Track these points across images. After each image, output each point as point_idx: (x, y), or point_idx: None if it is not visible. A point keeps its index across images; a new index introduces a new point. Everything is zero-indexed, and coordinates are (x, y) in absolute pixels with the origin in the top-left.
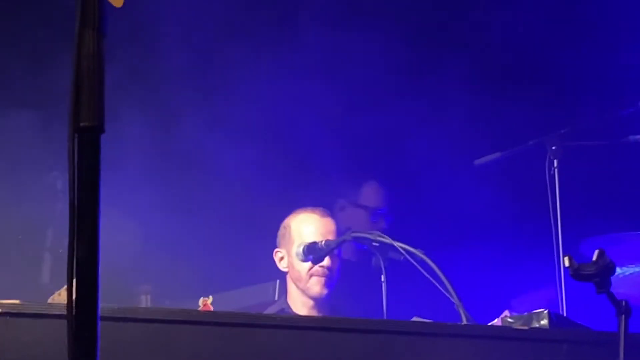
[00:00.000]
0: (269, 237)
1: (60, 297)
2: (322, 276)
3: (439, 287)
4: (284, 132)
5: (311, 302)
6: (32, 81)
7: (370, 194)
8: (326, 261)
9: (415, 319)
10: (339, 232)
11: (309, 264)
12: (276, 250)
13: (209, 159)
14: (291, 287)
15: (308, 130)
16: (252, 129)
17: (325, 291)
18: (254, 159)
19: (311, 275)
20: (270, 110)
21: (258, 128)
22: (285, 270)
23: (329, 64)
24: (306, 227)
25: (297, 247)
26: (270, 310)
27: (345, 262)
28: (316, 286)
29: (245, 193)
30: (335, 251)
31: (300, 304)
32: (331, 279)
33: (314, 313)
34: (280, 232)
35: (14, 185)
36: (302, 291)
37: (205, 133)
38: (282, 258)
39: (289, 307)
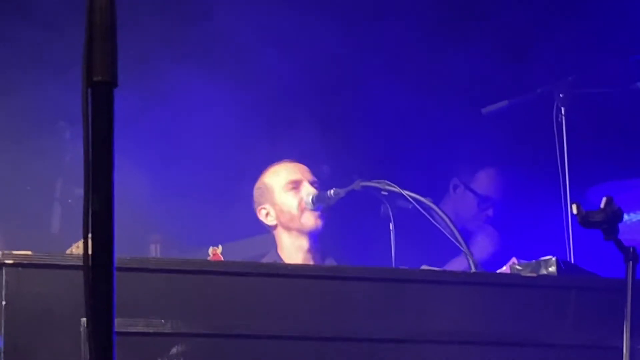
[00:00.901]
0: None
1: (78, 249)
2: (312, 208)
3: (447, 235)
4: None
5: (305, 246)
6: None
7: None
8: (313, 190)
9: (424, 267)
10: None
11: (297, 199)
12: (259, 208)
13: (216, 110)
14: (282, 238)
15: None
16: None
17: (320, 223)
18: (251, 112)
19: (303, 210)
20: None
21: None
22: (273, 224)
23: None
24: (279, 172)
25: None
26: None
27: (354, 211)
28: (311, 219)
29: (252, 147)
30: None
31: (293, 253)
32: (322, 212)
33: (308, 261)
34: (256, 192)
35: (23, 136)
36: (297, 231)
37: (210, 82)
38: (267, 214)
39: (280, 258)
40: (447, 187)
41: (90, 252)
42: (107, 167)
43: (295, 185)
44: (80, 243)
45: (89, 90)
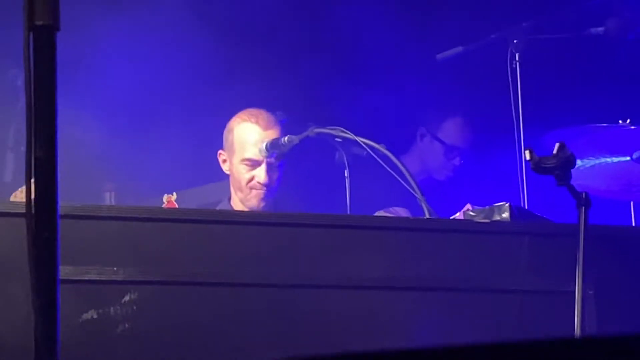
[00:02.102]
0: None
1: (22, 194)
2: (259, 190)
3: (401, 182)
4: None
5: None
6: None
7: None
8: (264, 177)
9: (379, 212)
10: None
11: (248, 176)
12: (220, 151)
13: (170, 52)
14: (233, 191)
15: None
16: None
17: (262, 204)
18: (207, 54)
19: (250, 189)
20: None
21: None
22: (227, 172)
23: None
24: (247, 138)
25: (262, 144)
26: None
27: (309, 158)
28: (254, 199)
29: (208, 89)
30: (279, 162)
31: (242, 208)
32: (269, 192)
33: None
34: (225, 134)
35: None
36: (240, 200)
37: (165, 23)
38: (224, 161)
39: (231, 207)
40: (412, 136)
41: (32, 198)
42: (50, 112)
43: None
44: (23, 189)
45: (31, 35)
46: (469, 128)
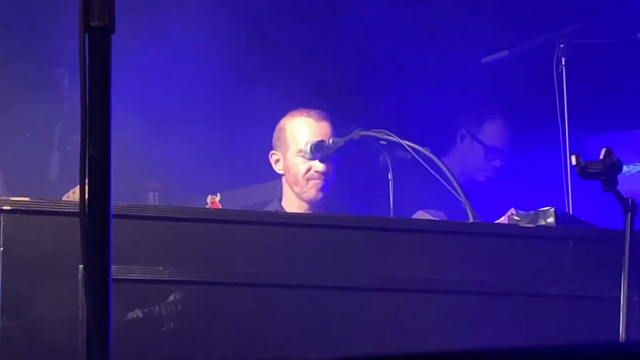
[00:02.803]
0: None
1: (74, 194)
2: (317, 180)
3: (446, 185)
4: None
5: (306, 205)
6: None
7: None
8: (322, 166)
9: (419, 213)
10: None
11: (306, 167)
12: (272, 152)
13: (213, 56)
14: (286, 190)
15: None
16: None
17: (320, 195)
18: (250, 59)
19: (308, 180)
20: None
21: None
22: (280, 172)
23: None
24: (301, 131)
25: (304, 146)
26: None
27: (353, 161)
28: (312, 189)
29: (251, 94)
30: (333, 155)
31: (295, 207)
32: (327, 183)
33: None
34: (276, 134)
35: (22, 84)
36: (298, 194)
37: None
38: (277, 160)
39: (282, 209)
40: (453, 137)
41: (86, 198)
42: (104, 113)
43: None
44: (77, 189)
45: (86, 36)
46: (509, 129)
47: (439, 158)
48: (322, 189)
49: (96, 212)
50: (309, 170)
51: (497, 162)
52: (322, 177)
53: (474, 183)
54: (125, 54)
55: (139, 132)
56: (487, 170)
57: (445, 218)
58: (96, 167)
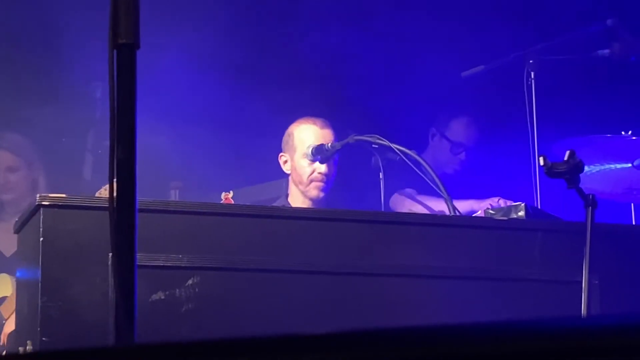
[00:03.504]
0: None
1: (105, 192)
2: (320, 181)
3: (430, 183)
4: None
5: (309, 202)
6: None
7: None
8: (324, 168)
9: (395, 195)
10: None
11: (310, 169)
12: (281, 154)
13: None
14: (293, 188)
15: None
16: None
17: (321, 194)
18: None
19: (311, 181)
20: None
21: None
22: (288, 172)
23: None
24: (307, 136)
25: (307, 149)
26: None
27: (348, 162)
28: (314, 190)
29: (264, 97)
30: (334, 157)
31: (299, 203)
32: (327, 184)
33: None
34: (285, 138)
35: (60, 95)
36: (302, 193)
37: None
38: (285, 162)
39: (288, 204)
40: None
41: (115, 195)
42: (130, 119)
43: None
44: (107, 187)
45: (115, 52)
46: (474, 127)
47: (422, 159)
48: (323, 190)
49: (124, 207)
50: (312, 172)
51: (462, 156)
52: (324, 178)
53: (445, 176)
54: (146, 65)
55: (163, 137)
56: (454, 163)
57: (415, 195)
58: (124, 168)
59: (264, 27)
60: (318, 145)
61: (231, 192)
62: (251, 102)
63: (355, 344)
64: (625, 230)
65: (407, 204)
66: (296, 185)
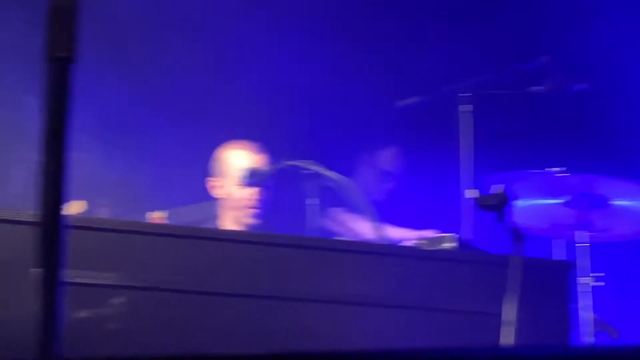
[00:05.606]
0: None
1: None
2: (255, 208)
3: (360, 210)
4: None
5: (241, 228)
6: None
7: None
8: (257, 192)
9: (331, 210)
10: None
11: (245, 194)
12: (209, 179)
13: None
14: (224, 213)
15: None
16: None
17: (255, 222)
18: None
19: (246, 207)
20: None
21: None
22: (217, 197)
23: None
24: (241, 161)
25: (240, 173)
26: None
27: (282, 187)
28: (248, 218)
29: (200, 116)
30: (269, 183)
31: (230, 227)
32: (262, 209)
33: None
34: (213, 164)
35: None
36: (235, 218)
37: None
38: (215, 187)
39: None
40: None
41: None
42: (62, 134)
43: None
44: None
45: (49, 65)
46: (401, 156)
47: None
48: (256, 216)
49: (52, 223)
50: (246, 197)
51: (390, 185)
52: (258, 203)
53: (373, 202)
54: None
55: (95, 155)
56: (382, 190)
57: (344, 213)
58: (53, 182)
59: (198, 51)
60: (252, 169)
61: (164, 212)
62: (175, 128)
63: None
64: (548, 264)
65: (344, 217)
66: (228, 210)
